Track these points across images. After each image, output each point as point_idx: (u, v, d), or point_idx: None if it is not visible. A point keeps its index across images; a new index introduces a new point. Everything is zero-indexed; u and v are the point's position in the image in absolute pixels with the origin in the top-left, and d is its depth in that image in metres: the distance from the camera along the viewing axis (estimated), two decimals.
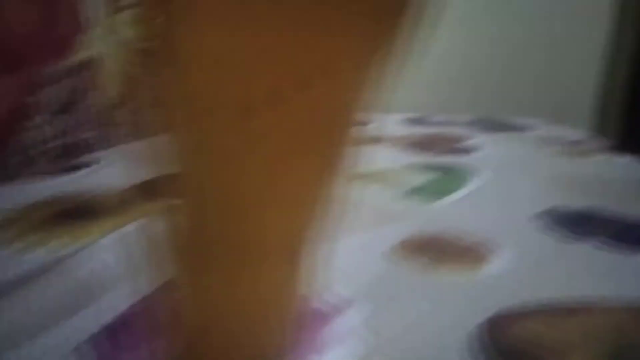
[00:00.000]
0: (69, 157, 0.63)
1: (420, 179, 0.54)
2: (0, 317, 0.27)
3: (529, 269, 0.34)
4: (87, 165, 0.58)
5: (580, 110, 1.53)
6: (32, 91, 0.58)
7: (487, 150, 0.68)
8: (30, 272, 0.33)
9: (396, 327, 0.27)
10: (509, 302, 0.30)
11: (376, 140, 0.67)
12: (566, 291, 0.31)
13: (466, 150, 0.68)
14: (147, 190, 0.48)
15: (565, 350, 0.25)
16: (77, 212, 0.43)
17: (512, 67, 1.58)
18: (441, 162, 0.61)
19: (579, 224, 0.41)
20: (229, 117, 0.14)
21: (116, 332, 0.26)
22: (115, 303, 0.29)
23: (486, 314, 0.28)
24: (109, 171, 0.56)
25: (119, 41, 0.69)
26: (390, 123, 0.79)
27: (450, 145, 0.70)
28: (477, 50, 1.54)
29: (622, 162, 0.62)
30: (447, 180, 0.54)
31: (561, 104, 1.47)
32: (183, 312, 0.18)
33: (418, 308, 0.29)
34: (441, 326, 0.27)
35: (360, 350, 0.25)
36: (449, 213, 0.44)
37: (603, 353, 0.25)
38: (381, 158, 0.61)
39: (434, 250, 0.36)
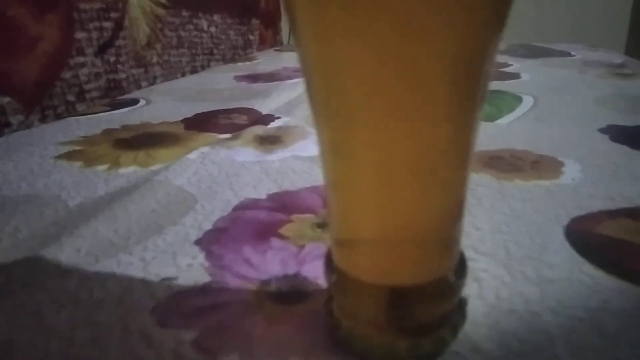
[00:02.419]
0: (114, 93, 0.63)
1: None
2: (118, 218, 0.28)
3: (604, 176, 0.33)
4: (136, 101, 0.59)
5: (616, 35, 1.48)
6: (74, 28, 0.57)
7: (533, 75, 0.67)
8: (130, 182, 0.34)
9: (495, 221, 0.28)
10: (593, 203, 0.30)
11: None
12: None
13: (512, 75, 0.67)
14: (196, 123, 0.49)
15: None
16: (145, 139, 0.43)
17: None
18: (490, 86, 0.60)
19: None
20: None
21: (219, 237, 0.27)
22: (208, 214, 0.29)
23: (576, 212, 0.28)
24: (159, 107, 0.56)
25: None
26: None
27: (494, 70, 0.69)
28: None
29: None
30: (499, 102, 0.53)
31: (596, 30, 1.42)
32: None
33: (511, 206, 0.29)
34: (537, 221, 0.28)
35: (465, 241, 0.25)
36: (509, 131, 0.44)
37: None
38: None
39: (504, 164, 0.36)
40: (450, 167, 0.16)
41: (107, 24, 0.63)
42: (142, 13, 0.70)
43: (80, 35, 0.58)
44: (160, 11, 0.74)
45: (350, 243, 0.18)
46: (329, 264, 0.19)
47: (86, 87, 0.59)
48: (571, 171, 0.35)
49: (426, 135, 0.15)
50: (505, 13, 0.14)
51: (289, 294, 0.22)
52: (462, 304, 0.19)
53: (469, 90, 0.15)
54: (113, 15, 0.63)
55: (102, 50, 0.62)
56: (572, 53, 0.81)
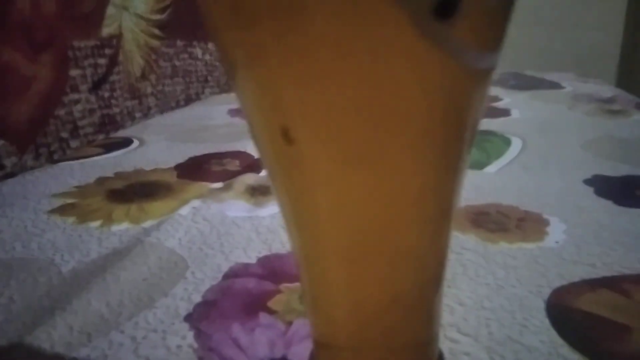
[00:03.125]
0: (108, 129, 0.63)
1: None
2: (110, 289, 0.28)
3: (587, 238, 0.34)
4: (129, 142, 0.59)
5: (605, 65, 1.49)
6: (68, 66, 0.58)
7: (523, 111, 0.68)
8: (122, 242, 0.35)
9: (478, 294, 0.28)
10: (575, 271, 0.30)
11: None
12: (624, 261, 0.31)
13: (502, 112, 0.67)
14: (189, 171, 0.49)
15: (628, 324, 0.26)
16: (138, 190, 0.44)
17: (537, 21, 1.54)
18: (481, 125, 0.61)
19: (625, 192, 0.42)
20: None
21: (208, 312, 0.27)
22: (198, 282, 0.30)
23: (557, 283, 0.29)
24: (152, 149, 0.56)
25: (134, 15, 0.68)
26: None
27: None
28: None
29: None
30: (489, 147, 0.54)
31: (586, 59, 1.44)
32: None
33: (494, 275, 0.30)
34: (519, 293, 0.28)
35: (448, 319, 0.26)
36: (498, 182, 0.45)
37: None
38: None
39: (490, 222, 0.37)
40: (426, 237, 0.14)
41: (102, 61, 0.63)
42: (136, 46, 0.71)
43: (74, 72, 0.59)
44: (155, 43, 0.75)
45: (317, 342, 0.18)
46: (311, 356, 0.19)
47: (80, 123, 0.60)
48: (555, 232, 0.35)
49: (399, 190, 0.13)
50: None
51: None
52: None
53: (449, 145, 0.12)
54: (107, 51, 0.64)
55: (96, 86, 0.62)
56: (562, 84, 0.82)
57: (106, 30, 0.64)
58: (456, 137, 0.13)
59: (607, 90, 0.78)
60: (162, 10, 0.76)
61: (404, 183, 0.13)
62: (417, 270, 0.15)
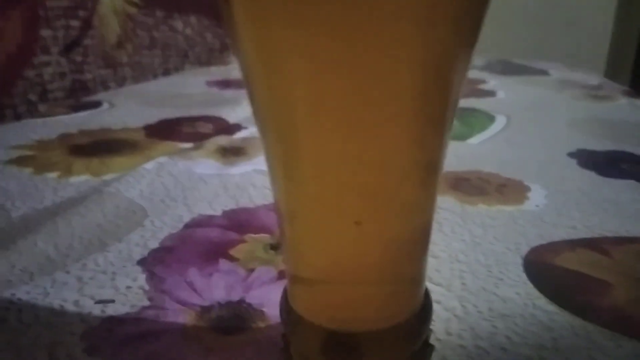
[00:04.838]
0: (79, 94, 0.61)
1: None
2: (60, 232, 0.26)
3: (568, 204, 0.33)
4: (99, 104, 0.57)
5: (595, 56, 1.50)
6: (38, 27, 0.55)
7: (509, 93, 0.66)
8: (79, 192, 0.33)
9: (453, 248, 0.27)
10: (555, 232, 0.29)
11: None
12: (605, 225, 0.30)
13: (487, 93, 0.66)
14: (158, 131, 0.47)
15: (608, 280, 0.25)
16: (102, 146, 0.42)
17: (526, 11, 1.54)
18: (464, 103, 0.59)
19: (609, 164, 0.40)
20: None
21: (164, 257, 0.25)
22: (156, 230, 0.28)
23: (536, 242, 0.28)
24: (122, 111, 0.54)
25: None
26: None
27: (469, 87, 0.69)
28: None
29: None
30: (473, 121, 0.52)
31: (576, 50, 1.44)
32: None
33: (471, 232, 0.29)
34: (496, 250, 0.27)
35: None
36: (480, 152, 0.43)
37: None
38: None
39: (470, 186, 0.36)
40: (413, 192, 0.15)
41: (75, 23, 0.61)
42: (112, 11, 0.68)
43: (45, 33, 0.57)
44: (132, 10, 0.73)
45: (294, 276, 0.17)
46: (285, 293, 0.18)
47: (50, 87, 0.57)
48: (536, 197, 0.34)
49: (385, 155, 0.13)
50: (476, 24, 0.13)
51: (229, 323, 0.21)
52: (426, 353, 0.18)
53: (434, 105, 0.13)
54: (81, 13, 0.62)
55: (68, 49, 0.60)
56: (550, 72, 0.81)
57: None
58: (438, 96, 0.13)
59: (594, 78, 0.77)
60: None
61: (391, 143, 0.13)
62: (404, 219, 0.15)
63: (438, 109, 0.13)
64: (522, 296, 0.23)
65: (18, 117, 0.52)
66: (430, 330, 0.19)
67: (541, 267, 0.26)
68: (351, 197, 0.14)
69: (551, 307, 0.22)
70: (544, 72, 0.81)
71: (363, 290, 0.16)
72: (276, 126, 0.14)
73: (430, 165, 0.14)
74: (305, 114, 0.13)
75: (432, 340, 0.20)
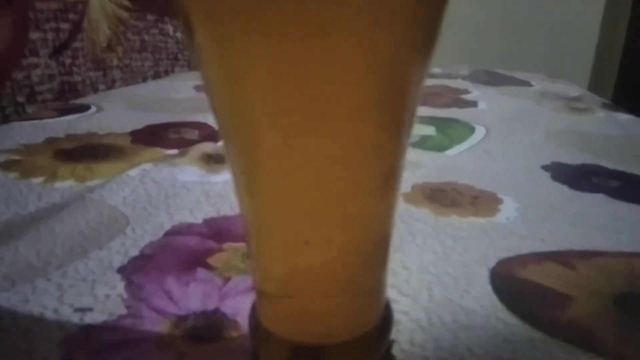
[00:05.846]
0: (68, 96, 0.61)
1: (426, 129, 0.53)
2: (42, 239, 0.27)
3: (538, 216, 0.34)
4: (87, 107, 0.58)
5: (577, 67, 1.52)
6: (28, 28, 0.56)
7: (490, 104, 0.68)
8: (63, 198, 0.33)
9: (424, 260, 0.28)
10: (523, 244, 0.30)
11: None
12: (573, 238, 0.31)
13: (469, 103, 0.68)
14: (144, 137, 0.48)
15: (570, 293, 0.26)
16: (88, 151, 0.42)
17: (512, 22, 1.56)
18: (445, 113, 0.61)
19: (581, 178, 0.42)
20: None
21: (143, 265, 0.26)
22: (137, 238, 0.29)
23: (504, 254, 0.29)
24: (110, 115, 0.55)
25: None
26: None
27: (452, 97, 0.70)
28: (479, 6, 1.51)
29: (622, 119, 0.62)
30: (452, 132, 0.54)
31: (559, 61, 1.46)
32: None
33: (442, 244, 0.30)
34: (465, 261, 0.28)
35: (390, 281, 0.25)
36: (457, 163, 0.44)
37: (608, 297, 0.25)
38: None
39: (444, 198, 0.37)
40: (368, 202, 0.15)
41: (65, 25, 0.61)
42: (103, 15, 0.69)
43: (35, 35, 0.57)
44: (123, 14, 0.73)
45: (259, 290, 0.17)
46: (254, 306, 0.18)
47: (38, 88, 0.58)
48: (508, 209, 0.35)
49: (341, 164, 0.14)
50: (431, 32, 0.13)
51: (203, 332, 0.22)
52: None
53: (390, 111, 0.14)
54: (71, 16, 0.62)
55: (57, 51, 0.60)
56: (532, 83, 0.83)
57: None
58: (397, 105, 0.13)
59: (575, 90, 0.79)
60: None
61: (347, 149, 0.13)
62: (357, 231, 0.15)
63: (394, 115, 0.14)
64: (486, 308, 0.24)
65: (6, 119, 0.53)
66: (394, 340, 0.20)
67: (507, 280, 0.27)
68: (299, 219, 0.15)
69: (513, 320, 0.23)
70: (526, 83, 0.82)
71: (323, 303, 0.16)
72: (238, 139, 0.14)
73: (388, 173, 0.15)
74: (264, 126, 0.13)
75: (396, 351, 0.21)
